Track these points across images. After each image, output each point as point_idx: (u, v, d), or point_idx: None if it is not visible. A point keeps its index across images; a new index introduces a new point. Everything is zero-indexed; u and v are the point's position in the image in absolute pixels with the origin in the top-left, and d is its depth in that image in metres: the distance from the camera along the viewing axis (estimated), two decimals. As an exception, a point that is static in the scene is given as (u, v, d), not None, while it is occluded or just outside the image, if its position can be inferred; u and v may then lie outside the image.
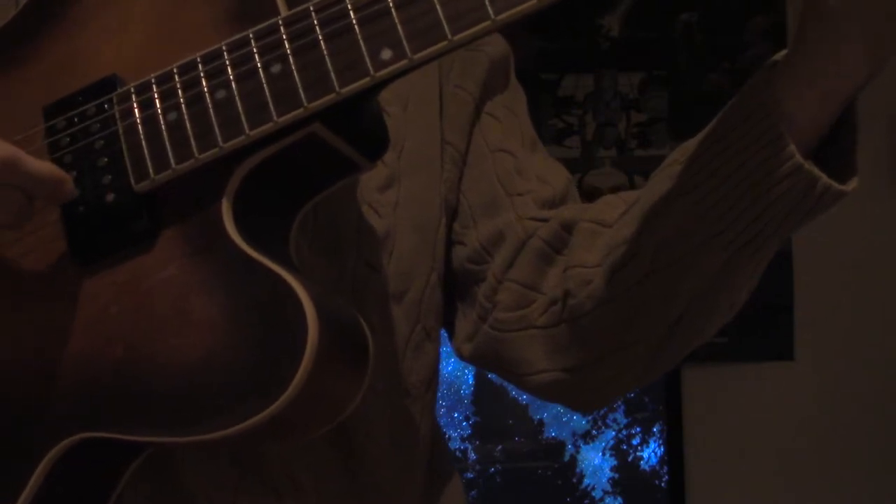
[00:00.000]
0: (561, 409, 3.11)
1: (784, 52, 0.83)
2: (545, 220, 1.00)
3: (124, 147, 0.82)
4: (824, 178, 0.81)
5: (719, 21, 2.96)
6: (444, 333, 1.08)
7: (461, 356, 1.05)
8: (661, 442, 3.04)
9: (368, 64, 0.76)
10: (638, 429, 3.10)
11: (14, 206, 0.80)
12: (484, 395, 3.14)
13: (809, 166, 0.81)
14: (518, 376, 1.01)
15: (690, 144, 0.88)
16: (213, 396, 0.76)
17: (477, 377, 3.12)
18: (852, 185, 0.82)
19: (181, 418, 0.77)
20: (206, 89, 0.80)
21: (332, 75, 0.76)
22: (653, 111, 2.99)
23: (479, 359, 1.04)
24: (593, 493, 3.11)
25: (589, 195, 1.02)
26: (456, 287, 1.05)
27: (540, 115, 2.94)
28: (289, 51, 0.78)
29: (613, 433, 3.10)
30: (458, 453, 3.10)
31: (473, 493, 3.12)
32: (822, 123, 0.82)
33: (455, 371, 3.07)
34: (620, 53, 2.98)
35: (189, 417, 0.77)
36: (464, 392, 3.13)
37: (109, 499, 0.84)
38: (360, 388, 0.80)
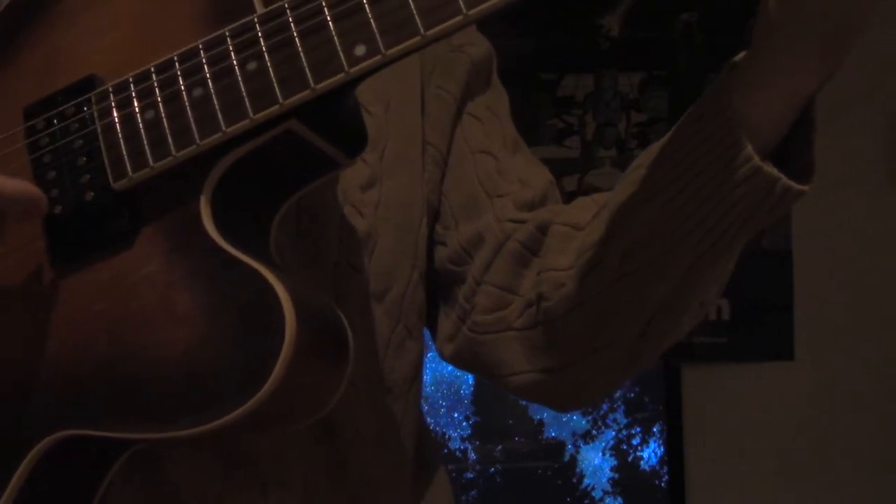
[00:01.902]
0: (561, 408, 3.11)
1: (742, 54, 0.83)
2: (523, 222, 1.00)
3: (102, 146, 0.83)
4: (783, 179, 0.81)
5: (719, 21, 2.96)
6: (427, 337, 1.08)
7: (442, 356, 1.06)
8: (661, 442, 3.04)
9: (343, 60, 0.76)
10: (638, 429, 3.10)
11: None
12: (484, 395, 3.14)
13: (768, 168, 0.81)
14: (498, 377, 1.01)
15: (655, 148, 0.89)
16: (193, 393, 0.77)
17: (477, 377, 3.12)
18: (810, 183, 0.83)
19: (162, 414, 0.78)
20: (182, 87, 0.80)
21: (308, 72, 0.77)
22: (653, 111, 2.99)
23: (459, 360, 1.05)
24: (593, 493, 3.11)
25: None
26: (437, 287, 1.05)
27: (539, 115, 2.94)
28: (264, 48, 0.78)
29: (613, 433, 3.10)
30: (458, 453, 3.10)
31: (473, 493, 3.12)
32: (781, 124, 0.82)
33: (455, 371, 3.07)
34: (620, 53, 2.98)
35: (170, 413, 0.77)
36: (464, 392, 3.13)
37: (94, 496, 0.85)
38: (341, 382, 0.80)
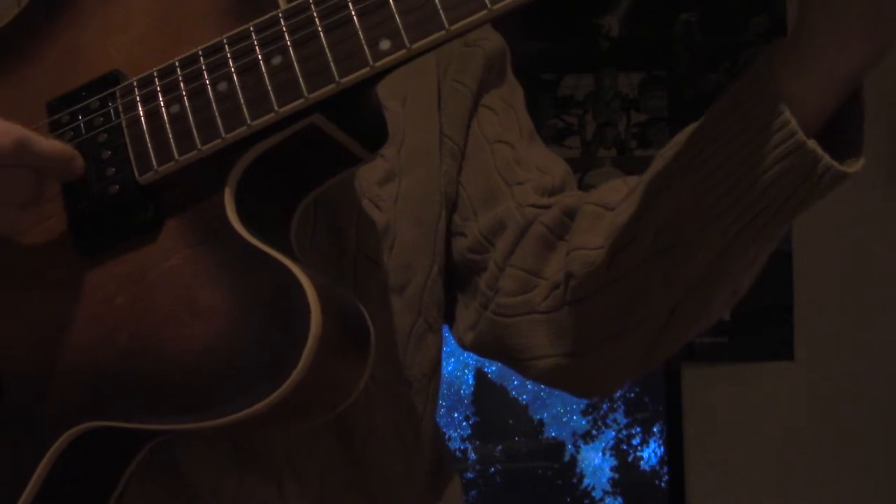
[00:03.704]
0: (561, 409, 3.12)
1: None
2: (546, 207, 1.00)
3: (128, 140, 0.83)
4: (826, 157, 0.80)
5: (719, 21, 2.96)
6: (445, 331, 1.08)
7: (463, 345, 1.06)
8: (661, 442, 3.05)
9: (367, 54, 0.76)
10: (638, 429, 3.11)
11: (28, 186, 0.81)
12: (484, 395, 3.15)
13: (812, 145, 0.80)
14: (521, 362, 1.01)
15: (692, 128, 0.88)
16: (217, 384, 0.77)
17: (477, 377, 3.13)
18: (855, 167, 0.82)
19: (186, 406, 0.78)
20: (207, 82, 0.81)
21: (332, 66, 0.77)
22: (653, 111, 2.99)
23: (481, 346, 1.04)
24: (593, 494, 3.12)
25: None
26: (456, 279, 1.05)
27: (540, 115, 2.95)
28: (289, 43, 0.79)
29: (613, 433, 3.11)
30: (458, 453, 3.11)
31: (473, 493, 3.12)
32: (826, 106, 0.82)
33: (455, 371, 3.08)
34: (620, 53, 2.99)
35: (193, 405, 0.78)
36: (464, 392, 3.14)
37: (114, 489, 0.85)
38: (364, 373, 0.81)
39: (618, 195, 0.95)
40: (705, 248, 0.87)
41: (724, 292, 0.92)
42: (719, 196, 0.84)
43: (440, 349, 1.04)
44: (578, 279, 0.94)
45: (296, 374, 0.74)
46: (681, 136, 0.89)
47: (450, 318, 1.07)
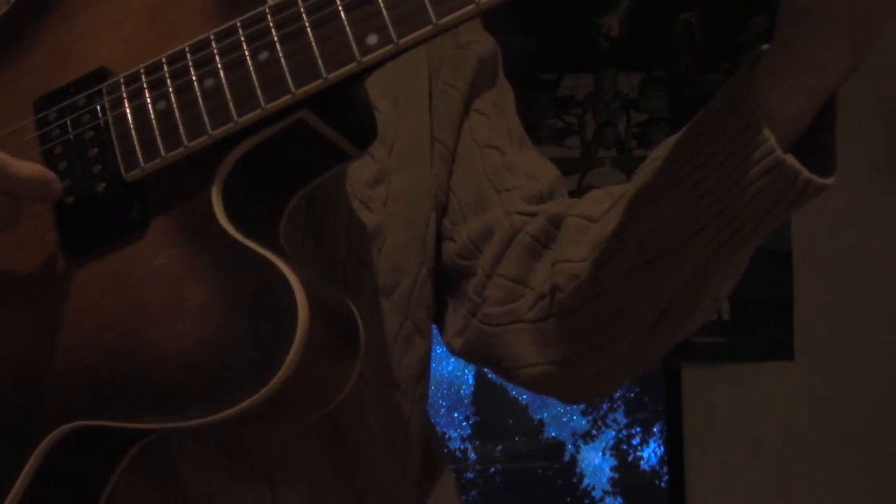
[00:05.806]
0: (561, 409, 3.12)
1: (766, 46, 0.84)
2: (533, 215, 1.01)
3: (114, 137, 0.83)
4: (805, 172, 0.81)
5: (719, 21, 2.97)
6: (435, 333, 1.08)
7: (452, 350, 1.06)
8: (661, 442, 3.05)
9: (355, 49, 0.76)
10: (638, 429, 3.11)
11: (2, 210, 0.81)
12: (484, 395, 3.15)
13: (791, 161, 0.81)
14: (508, 370, 1.01)
15: (673, 140, 0.89)
16: (206, 382, 0.77)
17: (477, 377, 3.12)
18: (832, 178, 0.83)
19: (175, 404, 0.77)
20: (194, 78, 0.80)
21: (319, 61, 0.77)
22: (653, 111, 3.00)
23: (469, 353, 1.05)
24: (593, 493, 3.12)
25: (588, 196, 1.03)
26: (446, 282, 1.05)
27: (539, 115, 2.95)
28: (276, 38, 0.78)
29: (613, 433, 3.11)
30: (458, 453, 3.11)
31: (473, 493, 3.12)
32: (803, 118, 0.82)
33: (455, 371, 3.08)
34: (620, 53, 2.99)
35: (183, 403, 0.77)
36: (464, 392, 3.14)
37: (104, 488, 0.85)
38: (353, 370, 0.80)
39: (601, 206, 0.95)
40: (687, 261, 0.88)
41: (706, 301, 0.92)
42: (700, 212, 0.85)
43: (428, 351, 1.04)
44: (564, 292, 0.94)
45: (284, 371, 0.74)
46: (660, 151, 0.89)
47: (439, 322, 1.07)
